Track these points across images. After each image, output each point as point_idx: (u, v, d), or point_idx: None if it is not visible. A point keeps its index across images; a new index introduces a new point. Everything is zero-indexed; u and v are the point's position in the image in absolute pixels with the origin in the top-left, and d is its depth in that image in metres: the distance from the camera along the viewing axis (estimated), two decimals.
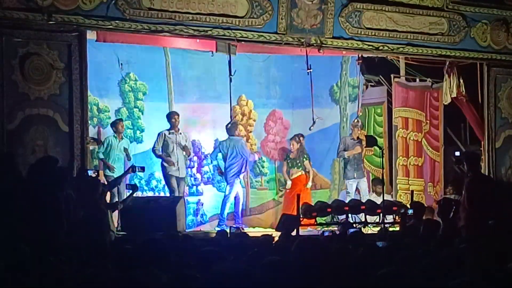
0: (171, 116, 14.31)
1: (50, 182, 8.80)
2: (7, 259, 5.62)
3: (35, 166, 9.11)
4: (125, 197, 12.86)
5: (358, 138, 15.70)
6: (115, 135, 14.07)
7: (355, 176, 15.51)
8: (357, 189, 15.63)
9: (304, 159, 15.44)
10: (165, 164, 14.18)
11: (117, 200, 13.02)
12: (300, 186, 15.24)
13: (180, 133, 14.31)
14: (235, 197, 14.93)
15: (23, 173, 9.25)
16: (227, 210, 14.87)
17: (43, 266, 5.06)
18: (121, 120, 14.35)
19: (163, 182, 14.82)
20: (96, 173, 11.48)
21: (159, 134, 14.26)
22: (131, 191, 12.06)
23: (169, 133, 14.21)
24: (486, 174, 14.19)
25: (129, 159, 13.93)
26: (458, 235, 9.76)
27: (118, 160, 14.06)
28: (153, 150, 14.28)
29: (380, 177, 14.93)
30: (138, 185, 13.01)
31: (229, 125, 14.91)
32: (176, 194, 14.00)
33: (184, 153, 14.31)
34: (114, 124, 14.20)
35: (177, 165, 14.15)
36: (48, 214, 8.59)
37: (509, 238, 9.15)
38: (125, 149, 14.05)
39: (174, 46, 14.39)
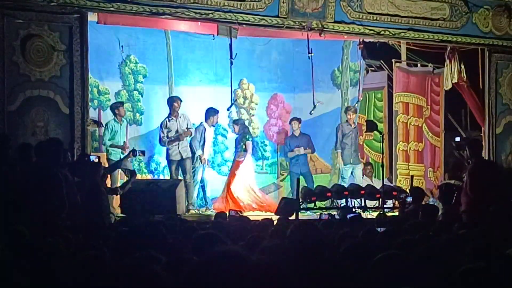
0: (173, 101, 14.14)
1: (53, 164, 8.80)
2: (6, 240, 5.63)
3: (38, 148, 9.09)
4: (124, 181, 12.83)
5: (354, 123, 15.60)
6: (116, 118, 14.01)
7: (351, 161, 15.46)
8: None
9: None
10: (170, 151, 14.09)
11: (116, 185, 13.00)
12: None
13: (180, 117, 14.19)
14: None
15: (24, 155, 9.24)
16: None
17: (41, 248, 5.05)
18: (122, 104, 14.25)
19: (162, 164, 14.81)
20: (98, 158, 11.45)
21: (161, 124, 14.10)
22: (129, 177, 12.03)
23: (170, 121, 14.06)
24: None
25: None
26: (459, 220, 9.75)
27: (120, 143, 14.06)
28: (160, 141, 14.08)
29: (380, 162, 14.90)
30: (137, 167, 12.96)
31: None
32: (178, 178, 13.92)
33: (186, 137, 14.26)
34: (115, 108, 14.09)
35: (178, 148, 14.06)
36: (49, 196, 8.59)
37: (509, 224, 9.16)
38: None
39: (175, 29, 14.38)
